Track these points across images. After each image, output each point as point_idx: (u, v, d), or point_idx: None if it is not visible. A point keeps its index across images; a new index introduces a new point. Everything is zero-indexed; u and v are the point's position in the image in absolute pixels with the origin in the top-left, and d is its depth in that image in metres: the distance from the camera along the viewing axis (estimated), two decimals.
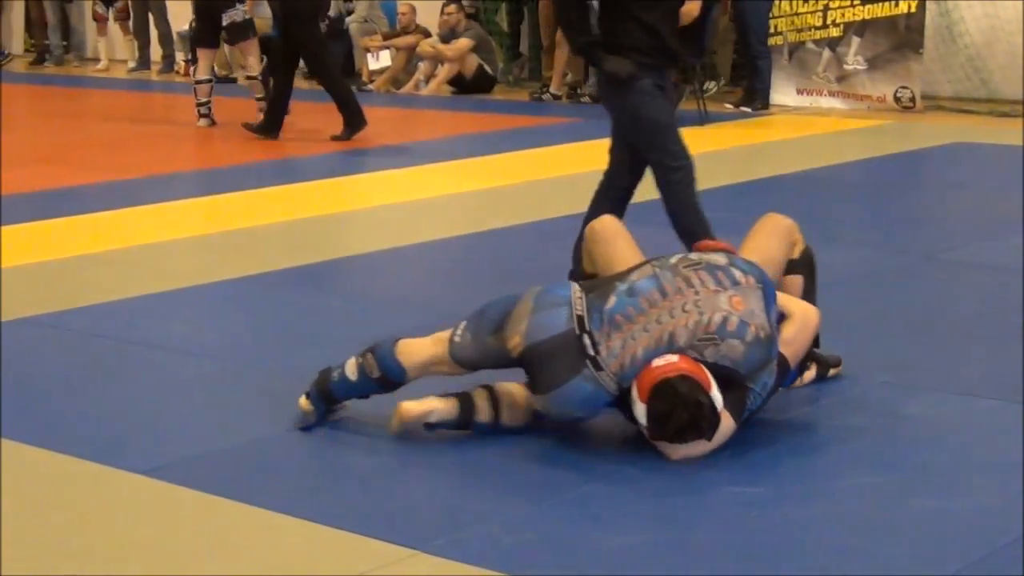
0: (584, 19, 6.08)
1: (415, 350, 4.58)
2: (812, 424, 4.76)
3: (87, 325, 5.95)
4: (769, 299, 4.47)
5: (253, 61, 12.32)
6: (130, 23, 18.20)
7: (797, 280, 4.96)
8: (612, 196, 6.20)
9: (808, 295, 4.94)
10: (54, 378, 5.22)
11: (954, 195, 9.27)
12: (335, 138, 11.43)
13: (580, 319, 4.39)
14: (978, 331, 5.81)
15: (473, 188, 9.40)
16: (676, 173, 6.03)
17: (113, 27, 18.45)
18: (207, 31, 12.14)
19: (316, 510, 3.98)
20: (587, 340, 4.35)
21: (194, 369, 5.37)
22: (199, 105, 12.37)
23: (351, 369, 4.60)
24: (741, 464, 4.28)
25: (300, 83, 16.75)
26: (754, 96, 13.29)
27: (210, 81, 12.38)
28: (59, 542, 3.81)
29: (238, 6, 11.92)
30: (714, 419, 4.24)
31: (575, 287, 4.52)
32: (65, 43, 19.52)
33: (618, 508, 4.01)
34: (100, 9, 18.24)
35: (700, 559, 3.70)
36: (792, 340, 4.52)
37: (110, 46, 18.68)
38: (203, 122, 12.40)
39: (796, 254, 5.00)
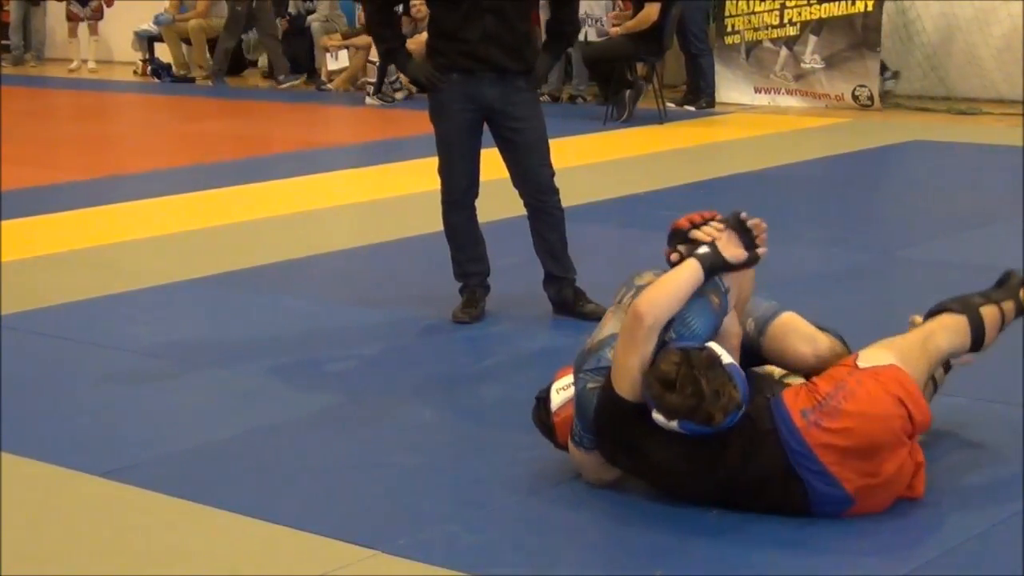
0: (389, 23, 6.09)
1: None
2: None
3: (45, 326, 5.91)
4: None
5: None
6: (100, 24, 18.08)
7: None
8: None
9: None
10: (11, 379, 5.17)
11: (912, 193, 9.31)
12: None
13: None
14: None
15: (431, 188, 9.36)
16: None
17: (81, 27, 18.25)
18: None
19: (276, 511, 3.96)
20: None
21: (152, 370, 5.34)
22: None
23: None
24: None
25: (264, 83, 16.73)
26: (699, 95, 13.28)
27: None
28: (16, 544, 3.78)
29: None
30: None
31: None
32: (24, 43, 19.36)
33: (578, 510, 4.00)
34: (75, 8, 18.04)
35: (662, 558, 3.71)
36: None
37: (75, 45, 18.44)
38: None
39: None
